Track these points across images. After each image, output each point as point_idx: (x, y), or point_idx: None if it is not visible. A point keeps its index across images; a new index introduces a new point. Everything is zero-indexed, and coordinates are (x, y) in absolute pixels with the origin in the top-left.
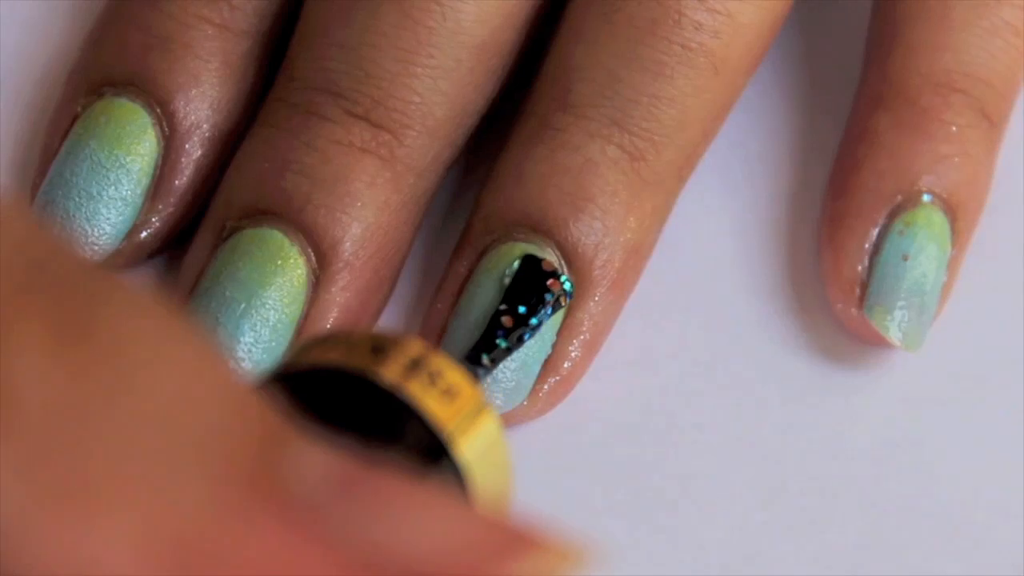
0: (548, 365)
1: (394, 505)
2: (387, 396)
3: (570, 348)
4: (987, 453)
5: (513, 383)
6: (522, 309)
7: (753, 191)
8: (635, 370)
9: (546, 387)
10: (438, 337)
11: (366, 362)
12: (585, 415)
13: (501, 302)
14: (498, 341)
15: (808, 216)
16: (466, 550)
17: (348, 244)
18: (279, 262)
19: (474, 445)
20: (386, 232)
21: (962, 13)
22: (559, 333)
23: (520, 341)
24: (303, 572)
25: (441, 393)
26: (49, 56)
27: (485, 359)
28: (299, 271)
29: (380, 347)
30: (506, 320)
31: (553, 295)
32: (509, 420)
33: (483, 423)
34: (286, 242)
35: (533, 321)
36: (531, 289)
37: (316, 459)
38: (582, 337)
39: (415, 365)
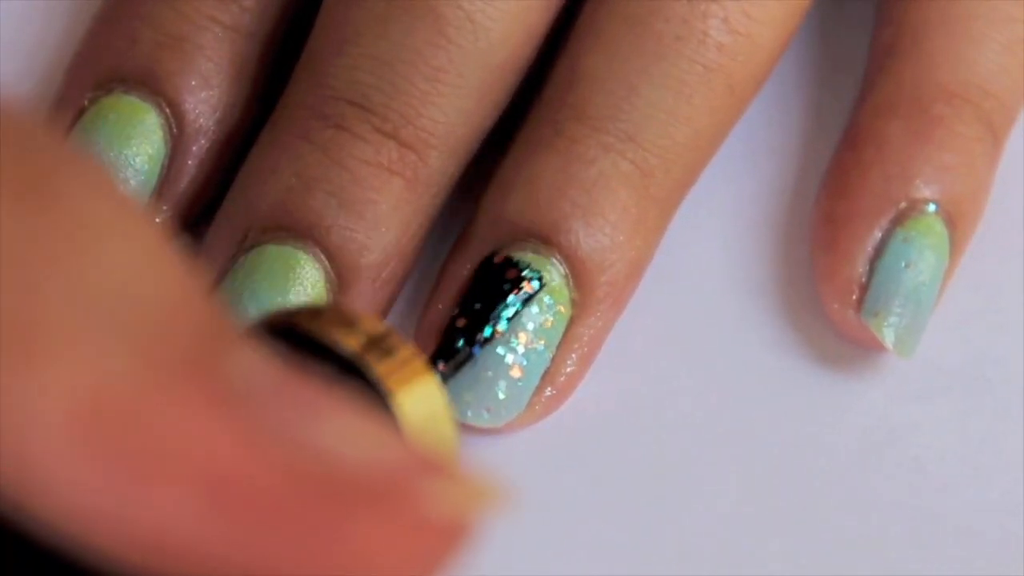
0: (546, 377)
1: (325, 415)
2: (335, 355)
3: (568, 361)
4: (978, 453)
5: (512, 395)
6: (477, 306)
7: (743, 190)
8: (625, 369)
9: (542, 399)
10: (437, 337)
11: (324, 328)
12: (573, 414)
13: (454, 308)
14: (457, 345)
15: (801, 217)
16: (387, 466)
17: (368, 271)
18: (301, 285)
19: (412, 397)
20: (403, 254)
21: (981, 26)
22: (558, 346)
23: (483, 339)
24: (218, 456)
25: (386, 355)
26: (50, 51)
27: (441, 365)
28: (319, 294)
29: (342, 319)
30: (460, 322)
31: (511, 284)
32: (502, 429)
33: (423, 382)
34: (310, 263)
35: (495, 314)
36: (489, 290)
37: (258, 361)
38: (581, 351)
39: (372, 339)
